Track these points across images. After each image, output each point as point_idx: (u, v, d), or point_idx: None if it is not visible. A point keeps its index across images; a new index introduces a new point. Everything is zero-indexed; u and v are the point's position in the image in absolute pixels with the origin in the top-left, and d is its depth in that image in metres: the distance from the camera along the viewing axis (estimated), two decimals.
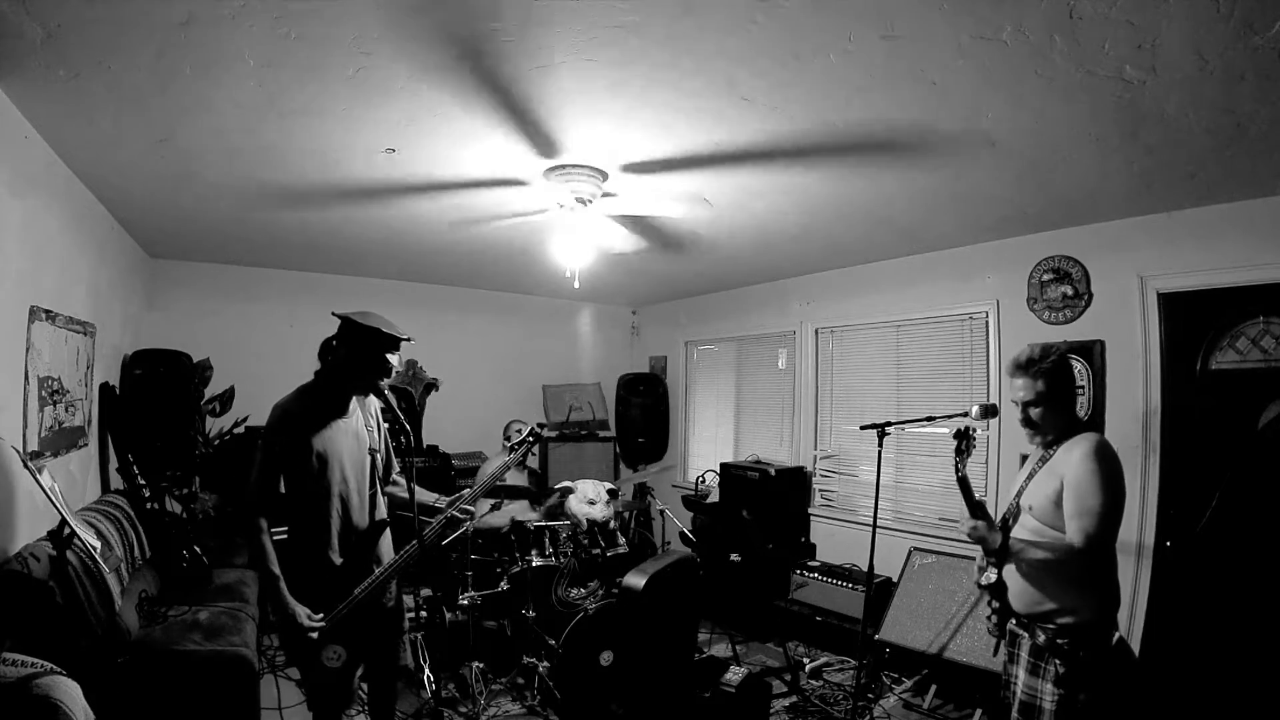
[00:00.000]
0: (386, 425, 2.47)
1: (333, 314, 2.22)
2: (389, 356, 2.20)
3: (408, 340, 2.24)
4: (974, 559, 3.57)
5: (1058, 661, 1.92)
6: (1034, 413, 2.09)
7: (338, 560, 2.19)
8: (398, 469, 2.53)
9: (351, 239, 4.21)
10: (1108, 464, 1.91)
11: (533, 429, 2.84)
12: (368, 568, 2.25)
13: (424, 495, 2.41)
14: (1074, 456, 1.95)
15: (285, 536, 2.19)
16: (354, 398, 2.30)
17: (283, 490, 2.16)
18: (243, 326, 4.96)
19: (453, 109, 2.31)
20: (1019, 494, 2.13)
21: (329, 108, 2.31)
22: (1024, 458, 3.71)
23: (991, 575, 2.07)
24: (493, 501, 3.97)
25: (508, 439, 4.34)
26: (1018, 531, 2.07)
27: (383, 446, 2.41)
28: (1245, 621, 2.88)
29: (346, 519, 2.21)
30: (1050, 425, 2.09)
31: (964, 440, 2.17)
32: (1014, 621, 2.09)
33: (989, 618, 2.14)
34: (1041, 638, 1.97)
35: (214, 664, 2.63)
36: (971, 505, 2.09)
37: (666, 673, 3.04)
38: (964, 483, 2.13)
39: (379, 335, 2.17)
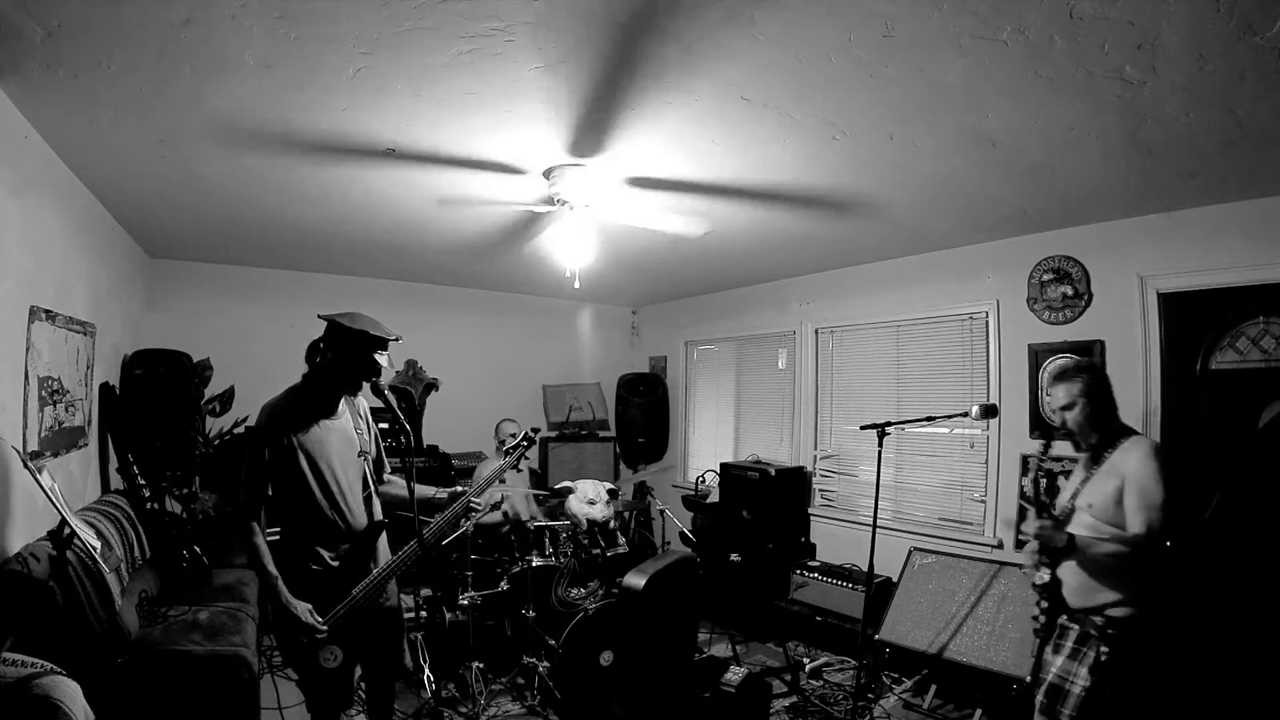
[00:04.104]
0: (384, 425, 2.46)
1: (319, 316, 2.21)
2: (377, 357, 2.19)
3: (396, 339, 2.23)
4: (973, 559, 3.60)
5: (1103, 647, 2.03)
6: (1069, 416, 2.24)
7: (333, 561, 2.19)
8: (389, 469, 2.53)
9: (351, 239, 4.21)
10: (1166, 463, 2.06)
11: (526, 433, 2.83)
12: (364, 568, 2.25)
13: (422, 489, 2.40)
14: (1134, 457, 2.09)
15: (277, 537, 2.20)
16: (343, 399, 2.30)
17: (271, 493, 2.15)
18: (243, 326, 4.96)
19: (453, 108, 2.31)
20: (1073, 496, 2.25)
21: (329, 107, 2.30)
22: (1024, 458, 3.74)
23: (1045, 575, 2.18)
24: (493, 502, 3.96)
25: (501, 441, 4.34)
26: (1074, 529, 2.16)
27: (373, 447, 2.40)
28: (1245, 621, 2.88)
29: (340, 520, 2.20)
30: (1089, 428, 2.23)
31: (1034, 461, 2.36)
32: (1065, 616, 2.19)
33: (1036, 617, 2.24)
34: (1092, 629, 2.08)
35: (214, 664, 2.63)
36: (1039, 506, 2.26)
37: (666, 673, 3.04)
38: (1037, 484, 2.25)
39: (366, 336, 2.16)
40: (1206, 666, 2.97)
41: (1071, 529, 2.16)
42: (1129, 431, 2.22)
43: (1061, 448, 3.57)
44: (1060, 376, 2.27)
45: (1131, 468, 2.08)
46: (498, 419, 4.51)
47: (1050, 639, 2.22)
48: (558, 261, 3.40)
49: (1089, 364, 2.31)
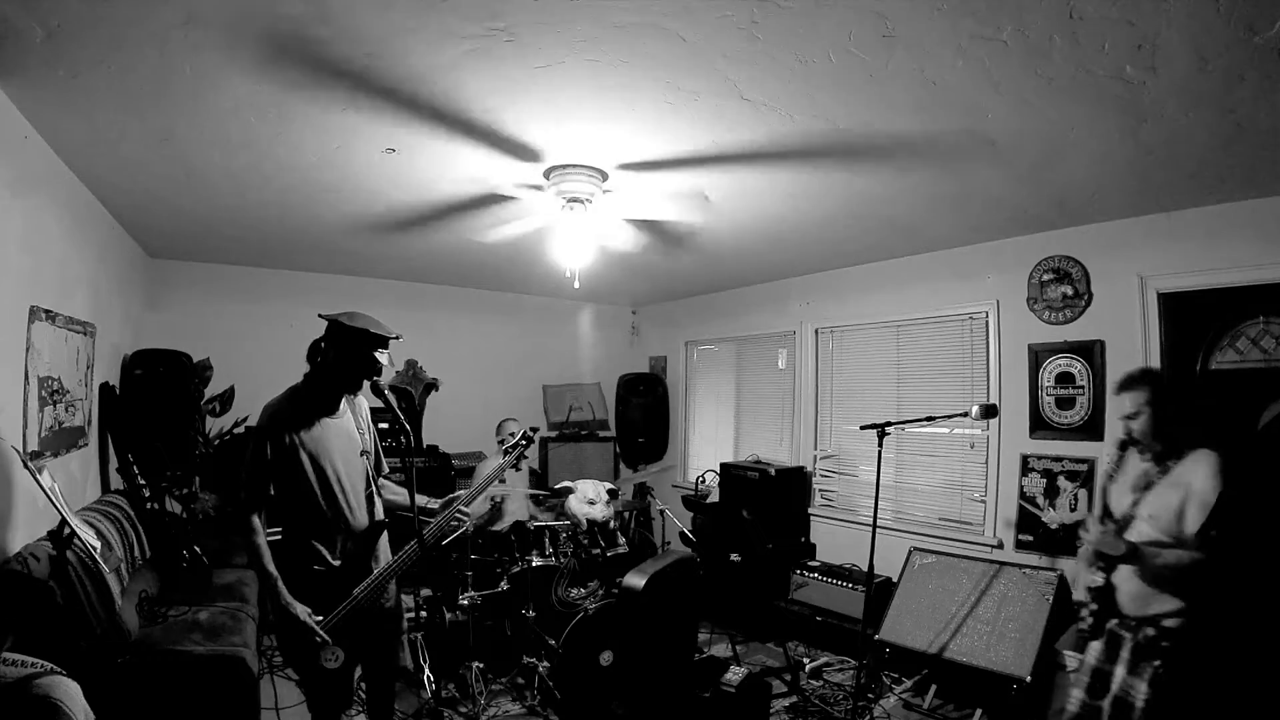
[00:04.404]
0: (384, 425, 2.46)
1: (319, 315, 2.22)
2: (378, 355, 2.19)
3: (396, 338, 2.23)
4: (973, 559, 3.60)
5: (1157, 663, 2.07)
6: (1134, 425, 2.23)
7: (334, 561, 2.18)
8: (386, 470, 2.53)
9: (351, 239, 4.21)
10: (1229, 482, 2.07)
11: (525, 432, 2.83)
12: (366, 568, 2.24)
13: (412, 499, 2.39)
14: (1200, 472, 2.09)
15: (279, 537, 2.19)
16: (344, 398, 2.30)
17: (273, 493, 2.15)
18: (243, 326, 4.96)
19: (453, 108, 2.31)
20: (1134, 504, 2.24)
21: (329, 108, 2.31)
22: (1024, 458, 3.74)
23: (1099, 579, 2.20)
24: (493, 501, 3.97)
25: (502, 441, 4.33)
26: (1132, 538, 2.17)
27: (373, 447, 2.41)
28: (1243, 621, 2.88)
29: (341, 520, 2.20)
30: (1153, 438, 2.22)
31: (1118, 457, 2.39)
32: (1116, 623, 2.21)
33: (1084, 618, 2.25)
34: (1144, 639, 2.11)
35: (214, 664, 2.63)
36: (1106, 511, 2.27)
37: (666, 673, 3.04)
38: (1105, 488, 2.33)
39: (367, 335, 2.16)
40: (1204, 665, 2.97)
41: (1130, 537, 2.17)
42: (1195, 443, 2.20)
43: (1058, 448, 3.63)
44: (1126, 385, 2.27)
45: (1197, 483, 2.08)
46: (498, 419, 4.51)
47: (1099, 640, 2.25)
48: (558, 261, 3.40)
49: (1155, 373, 2.33)
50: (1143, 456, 2.27)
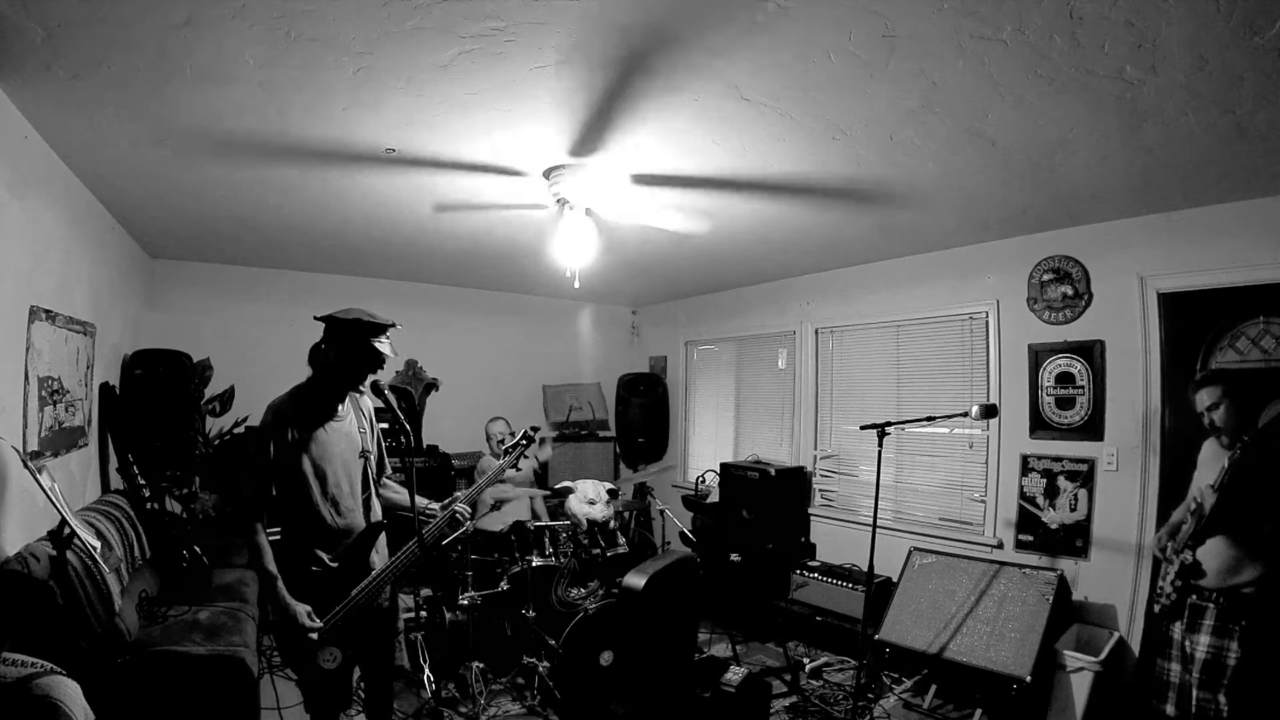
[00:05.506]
0: (384, 425, 2.46)
1: (315, 318, 2.21)
2: (377, 344, 2.17)
3: (393, 325, 2.22)
4: (973, 559, 3.60)
5: (1244, 623, 2.24)
6: (1215, 415, 2.43)
7: (332, 563, 2.19)
8: (389, 471, 2.53)
9: (351, 240, 4.21)
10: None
11: (526, 432, 2.82)
12: (363, 569, 2.25)
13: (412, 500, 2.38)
14: None
15: (278, 537, 2.20)
16: (347, 400, 2.30)
17: (274, 493, 2.16)
18: (243, 326, 4.96)
19: (452, 109, 2.31)
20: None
21: (329, 108, 2.31)
22: (1024, 458, 3.73)
23: (1189, 557, 2.36)
24: (493, 502, 3.97)
25: (500, 442, 4.32)
26: None
27: (375, 448, 2.40)
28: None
29: (340, 521, 2.20)
30: (1235, 425, 2.39)
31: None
32: (1195, 597, 2.37)
33: (1169, 596, 2.44)
34: (1226, 604, 2.28)
35: (214, 664, 2.63)
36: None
37: (666, 673, 3.04)
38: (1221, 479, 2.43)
39: (362, 324, 2.15)
40: None
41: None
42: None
43: (1058, 448, 3.63)
44: (1202, 382, 2.49)
45: None
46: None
47: (1180, 618, 2.41)
48: (558, 261, 3.39)
49: (1229, 370, 2.55)
50: (1221, 443, 2.43)
